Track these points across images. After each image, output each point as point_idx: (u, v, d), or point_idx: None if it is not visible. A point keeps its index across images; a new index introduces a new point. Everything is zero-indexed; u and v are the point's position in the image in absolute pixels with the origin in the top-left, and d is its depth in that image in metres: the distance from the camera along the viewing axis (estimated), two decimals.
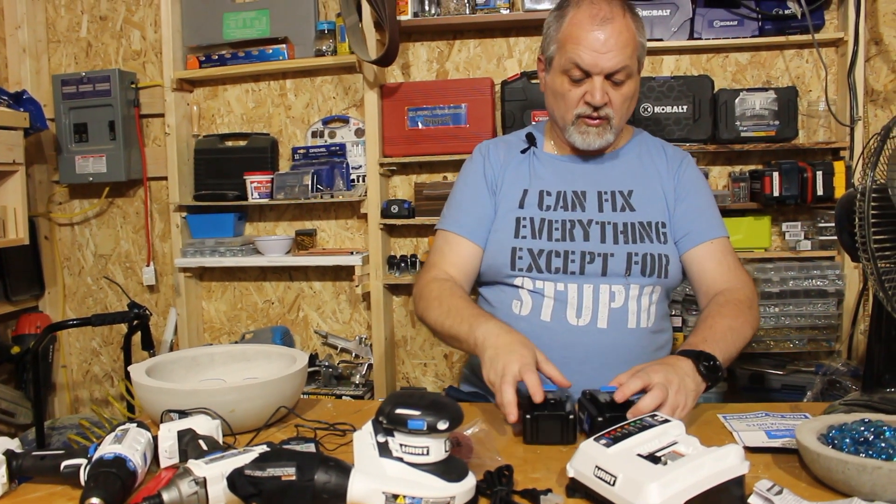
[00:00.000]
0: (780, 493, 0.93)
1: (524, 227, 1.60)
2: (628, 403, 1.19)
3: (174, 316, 3.07)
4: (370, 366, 2.88)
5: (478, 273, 1.67)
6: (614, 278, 1.55)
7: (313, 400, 1.51)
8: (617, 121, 1.59)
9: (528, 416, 1.20)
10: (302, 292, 3.07)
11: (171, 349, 3.05)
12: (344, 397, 2.74)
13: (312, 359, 2.90)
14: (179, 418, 1.18)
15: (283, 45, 2.85)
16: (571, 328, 1.54)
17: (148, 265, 3.14)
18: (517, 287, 1.59)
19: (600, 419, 1.17)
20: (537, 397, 1.20)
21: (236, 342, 3.04)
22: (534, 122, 2.43)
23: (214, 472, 0.96)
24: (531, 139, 1.73)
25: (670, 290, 1.65)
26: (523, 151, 1.71)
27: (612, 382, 1.26)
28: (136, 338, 2.61)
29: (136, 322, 2.57)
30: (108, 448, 1.04)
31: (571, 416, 1.19)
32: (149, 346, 2.61)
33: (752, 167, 2.66)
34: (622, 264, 1.55)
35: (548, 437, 1.20)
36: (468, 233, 1.65)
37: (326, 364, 2.86)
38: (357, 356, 2.95)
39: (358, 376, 2.85)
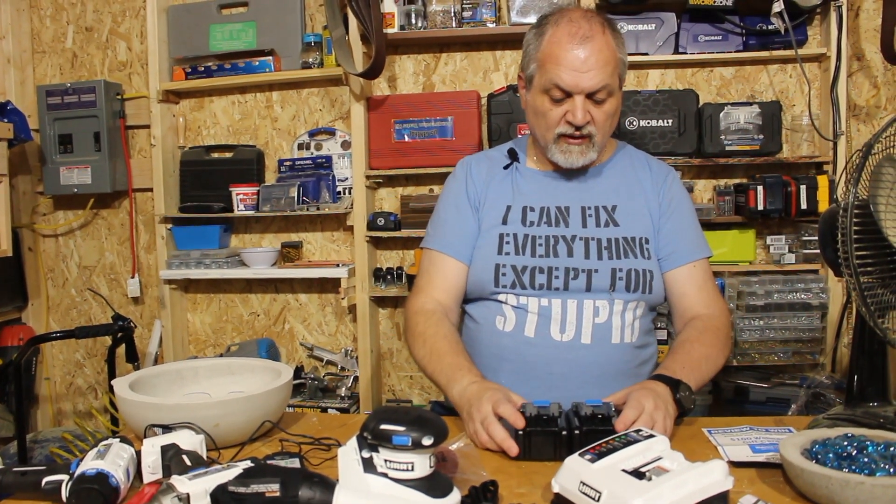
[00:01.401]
0: None
1: (507, 243, 1.60)
2: (607, 419, 1.19)
3: (159, 328, 3.05)
4: (356, 378, 2.87)
5: (465, 290, 1.67)
6: (598, 294, 1.55)
7: (298, 414, 1.51)
8: (600, 138, 1.58)
9: (520, 433, 1.20)
10: (288, 304, 3.06)
11: (156, 361, 3.04)
12: (329, 410, 2.73)
13: (298, 371, 2.89)
14: (163, 433, 1.17)
15: (270, 58, 2.85)
16: (555, 344, 1.54)
17: (133, 277, 3.12)
18: (501, 303, 1.59)
19: (577, 432, 1.17)
20: (518, 423, 1.21)
21: (221, 354, 3.03)
22: (520, 135, 2.44)
23: (198, 487, 0.95)
24: (513, 155, 1.72)
25: (654, 305, 1.65)
26: (506, 167, 1.71)
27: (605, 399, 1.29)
28: (121, 350, 2.59)
29: (120, 334, 2.55)
30: (90, 464, 1.03)
31: (564, 433, 1.18)
32: (133, 358, 2.59)
33: (737, 181, 2.67)
34: (606, 280, 1.55)
35: (540, 454, 1.19)
36: (453, 251, 1.65)
37: (312, 376, 2.85)
38: (343, 368, 2.94)
39: (344, 389, 2.84)
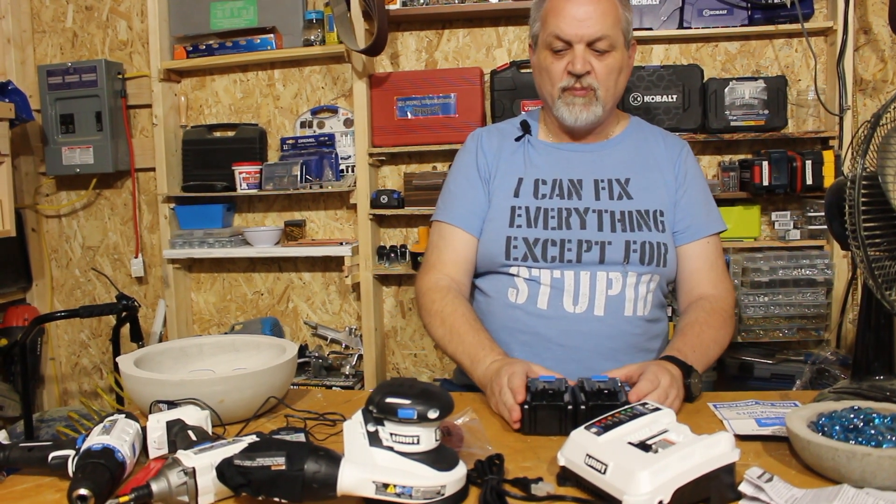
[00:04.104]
0: (770, 480, 0.93)
1: (519, 215, 1.59)
2: (613, 394, 1.19)
3: (163, 308, 3.06)
4: (360, 357, 2.88)
5: (476, 264, 1.67)
6: (612, 266, 1.55)
7: (303, 390, 1.50)
8: (603, 93, 1.57)
9: (525, 407, 1.20)
10: (291, 283, 3.06)
11: (161, 341, 3.04)
12: (334, 388, 2.74)
13: (302, 350, 2.89)
14: (168, 409, 1.17)
15: (271, 35, 2.83)
16: (568, 315, 1.54)
17: (136, 257, 3.12)
18: (512, 276, 1.58)
19: (583, 407, 1.17)
20: (518, 397, 1.22)
21: (226, 334, 3.03)
22: (525, 111, 2.42)
23: (203, 462, 0.95)
24: (525, 127, 1.71)
25: (668, 279, 1.64)
26: (517, 139, 1.69)
27: (618, 371, 1.30)
28: (125, 330, 2.59)
29: (124, 314, 2.55)
30: (96, 439, 1.03)
31: (570, 407, 1.18)
32: (138, 338, 2.59)
33: (742, 156, 2.66)
34: (620, 252, 1.54)
35: (545, 428, 1.19)
36: (463, 223, 1.64)
37: (316, 355, 2.86)
38: (347, 347, 2.95)
39: (348, 367, 2.85)
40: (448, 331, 1.52)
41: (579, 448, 0.96)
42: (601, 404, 1.16)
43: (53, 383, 3.27)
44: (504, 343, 1.54)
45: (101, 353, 3.26)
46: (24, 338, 2.49)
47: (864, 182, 1.14)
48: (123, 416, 1.11)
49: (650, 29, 2.60)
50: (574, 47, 1.53)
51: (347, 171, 2.90)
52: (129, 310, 2.53)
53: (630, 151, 1.67)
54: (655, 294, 1.61)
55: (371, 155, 2.78)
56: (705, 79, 2.57)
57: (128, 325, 2.58)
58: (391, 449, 0.92)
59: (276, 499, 0.91)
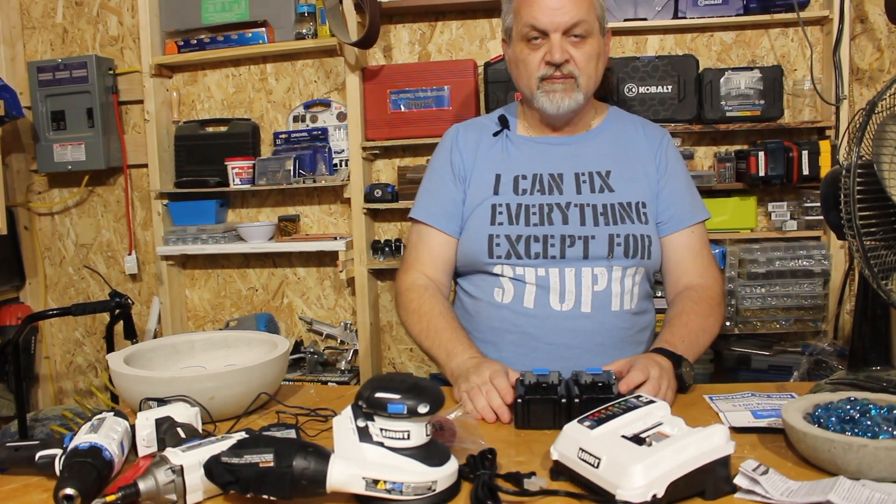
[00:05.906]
0: (765, 472, 0.92)
1: (500, 213, 1.57)
2: (607, 387, 1.18)
3: (157, 305, 3.04)
4: (356, 352, 2.86)
5: (455, 261, 1.66)
6: (596, 261, 1.53)
7: (296, 386, 1.49)
8: (584, 81, 1.55)
9: (519, 401, 1.19)
10: (286, 279, 3.05)
11: (155, 338, 3.02)
12: (329, 384, 2.72)
13: (297, 346, 2.88)
14: (158, 406, 1.16)
15: (263, 29, 2.81)
16: (555, 314, 1.52)
17: (130, 254, 3.10)
18: (497, 275, 1.56)
19: (576, 401, 1.16)
20: (508, 398, 1.23)
21: (220, 330, 3.01)
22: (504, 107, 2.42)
23: (192, 459, 0.94)
24: (504, 121, 1.69)
25: (653, 271, 1.63)
26: (495, 134, 1.68)
27: (608, 367, 1.29)
28: (119, 328, 2.58)
29: (118, 311, 2.53)
30: (83, 438, 1.02)
31: (563, 401, 1.17)
32: (132, 335, 2.58)
33: (738, 147, 2.65)
34: (604, 246, 1.53)
35: (539, 422, 1.18)
36: (438, 223, 1.64)
37: (311, 351, 2.85)
38: (342, 342, 2.93)
39: (343, 362, 2.83)
40: (426, 327, 1.53)
41: (572, 442, 0.95)
42: (595, 397, 1.15)
43: (48, 382, 3.26)
44: (492, 343, 1.53)
45: (96, 352, 3.25)
46: (16, 336, 2.47)
47: (859, 171, 1.13)
48: (112, 413, 1.10)
49: (645, 19, 2.58)
50: (550, 36, 1.52)
51: (341, 166, 2.88)
52: (123, 307, 2.51)
53: (610, 143, 1.65)
54: (641, 286, 1.59)
55: (364, 149, 2.76)
56: (700, 69, 2.56)
57: (122, 322, 2.56)
58: (381, 444, 0.91)
59: (265, 496, 0.90)
